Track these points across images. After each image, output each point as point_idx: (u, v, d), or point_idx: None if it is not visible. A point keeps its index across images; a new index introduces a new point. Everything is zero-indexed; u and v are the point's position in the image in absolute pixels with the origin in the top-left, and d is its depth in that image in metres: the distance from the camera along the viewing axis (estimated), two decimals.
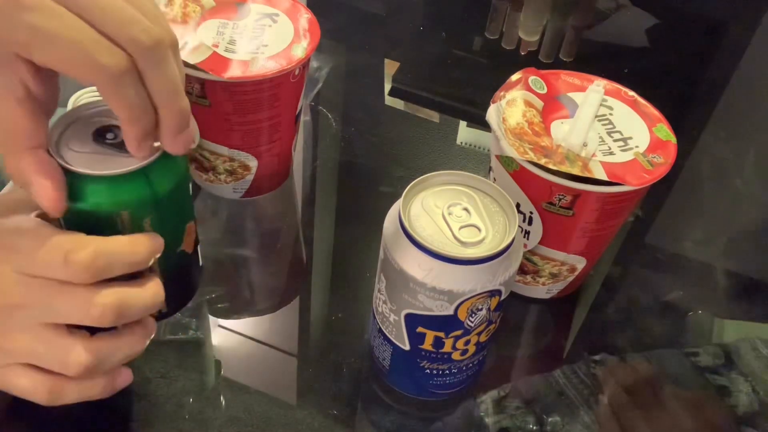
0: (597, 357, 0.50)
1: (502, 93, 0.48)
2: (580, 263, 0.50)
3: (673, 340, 0.53)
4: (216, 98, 0.50)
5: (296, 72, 0.51)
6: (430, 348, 0.41)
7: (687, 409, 0.48)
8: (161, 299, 0.36)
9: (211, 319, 0.50)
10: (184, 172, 0.37)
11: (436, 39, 0.82)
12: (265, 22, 0.53)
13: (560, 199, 0.44)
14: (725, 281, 0.58)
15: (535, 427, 0.46)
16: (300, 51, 0.50)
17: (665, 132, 0.48)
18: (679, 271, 0.59)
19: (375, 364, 0.46)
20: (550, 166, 0.43)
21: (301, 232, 0.60)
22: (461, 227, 0.38)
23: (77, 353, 0.34)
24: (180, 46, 0.36)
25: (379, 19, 0.86)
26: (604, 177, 0.43)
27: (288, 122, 0.55)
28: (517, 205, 0.46)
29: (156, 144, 0.35)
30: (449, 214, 0.39)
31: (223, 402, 0.45)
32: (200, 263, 0.44)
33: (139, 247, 0.35)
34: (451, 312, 0.38)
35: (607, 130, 0.47)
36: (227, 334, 0.50)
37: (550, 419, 0.46)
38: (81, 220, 0.34)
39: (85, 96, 0.56)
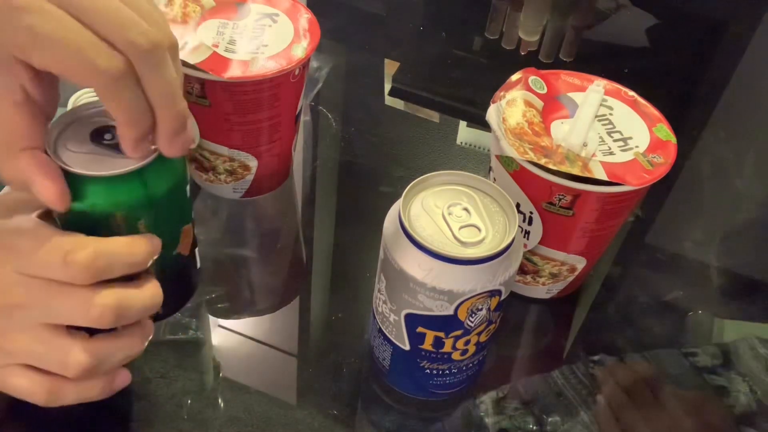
0: (596, 357, 0.50)
1: (502, 93, 0.48)
2: (580, 263, 0.50)
3: (672, 340, 0.53)
4: (216, 98, 0.50)
5: (296, 72, 0.51)
6: (430, 348, 0.41)
7: (685, 410, 0.48)
8: (159, 300, 0.36)
9: (211, 319, 0.50)
10: (181, 175, 0.37)
11: (436, 39, 0.82)
12: (265, 22, 0.53)
13: (560, 199, 0.44)
14: (724, 281, 0.58)
15: (534, 428, 0.46)
16: (300, 51, 0.50)
17: (665, 132, 0.48)
18: (678, 271, 0.59)
19: (375, 364, 0.46)
20: (550, 166, 0.43)
21: (301, 232, 0.60)
22: (461, 227, 0.38)
23: (76, 354, 0.34)
24: (180, 46, 0.36)
25: (379, 19, 0.86)
26: (604, 177, 0.43)
27: (288, 122, 0.55)
28: (517, 205, 0.46)
29: (153, 147, 0.35)
30: (449, 214, 0.39)
31: (223, 402, 0.45)
32: (198, 266, 0.44)
33: (138, 248, 0.35)
34: (451, 312, 0.38)
35: (607, 130, 0.47)
36: (227, 334, 0.50)
37: (549, 419, 0.46)
38: (76, 220, 0.34)
39: (84, 96, 0.56)
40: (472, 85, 0.75)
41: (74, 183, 0.33)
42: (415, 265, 0.37)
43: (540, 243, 0.48)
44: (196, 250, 0.43)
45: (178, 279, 0.42)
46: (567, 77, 0.51)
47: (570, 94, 0.50)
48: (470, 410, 0.47)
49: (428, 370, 0.43)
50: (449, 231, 0.38)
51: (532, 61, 0.79)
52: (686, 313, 0.55)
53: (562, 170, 0.43)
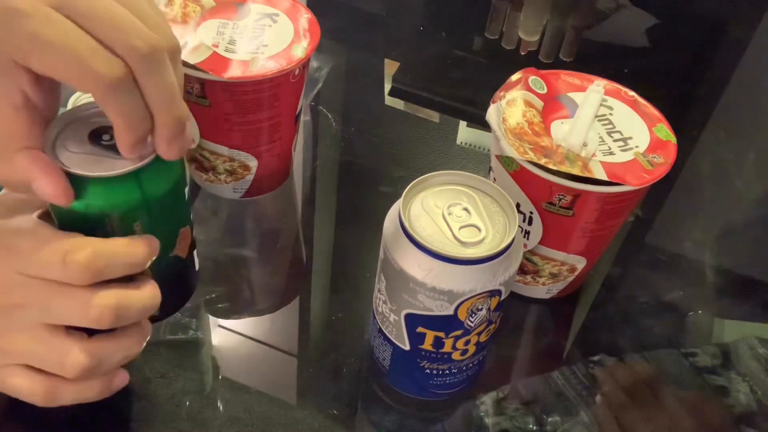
0: (596, 357, 0.50)
1: (502, 93, 0.48)
2: (580, 263, 0.50)
3: (672, 340, 0.53)
4: (216, 98, 0.50)
5: (296, 72, 0.51)
6: (430, 348, 0.41)
7: (685, 410, 0.48)
8: (158, 301, 0.36)
9: (211, 319, 0.50)
10: (178, 177, 0.37)
11: (436, 39, 0.82)
12: (265, 22, 0.53)
13: (560, 199, 0.44)
14: (724, 281, 0.58)
15: (534, 428, 0.46)
16: (300, 51, 0.50)
17: (665, 132, 0.48)
18: (678, 271, 0.59)
19: (375, 364, 0.46)
20: (550, 166, 0.43)
21: (301, 232, 0.60)
22: (461, 227, 0.38)
23: (75, 354, 0.34)
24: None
25: (379, 19, 0.86)
26: (604, 177, 0.43)
27: (288, 122, 0.55)
28: (517, 205, 0.46)
29: (151, 148, 0.35)
30: (449, 214, 0.39)
31: (223, 402, 0.45)
32: (197, 268, 0.44)
33: (137, 249, 0.35)
34: (451, 312, 0.38)
35: (607, 130, 0.47)
36: (227, 334, 0.50)
37: (549, 419, 0.46)
38: (71, 221, 0.34)
39: (84, 96, 0.56)
40: (472, 85, 0.75)
41: (71, 183, 0.34)
42: (415, 265, 0.37)
43: (540, 243, 0.48)
44: (195, 252, 0.43)
45: (175, 281, 0.41)
46: (567, 77, 0.51)
47: (570, 94, 0.50)
48: (470, 410, 0.47)
49: (428, 370, 0.43)
50: (449, 231, 0.38)
51: (532, 61, 0.79)
52: (686, 313, 0.55)
53: (562, 170, 0.43)
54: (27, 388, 0.35)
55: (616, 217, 0.47)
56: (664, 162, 0.45)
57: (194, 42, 0.49)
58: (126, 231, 0.35)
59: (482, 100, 0.49)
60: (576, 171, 0.43)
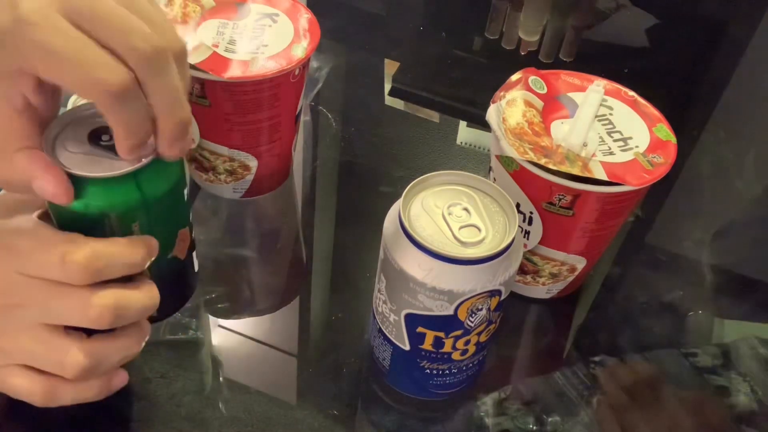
0: (597, 358, 0.50)
1: (502, 93, 0.48)
2: (580, 263, 0.50)
3: (673, 341, 0.53)
4: (216, 98, 0.50)
5: (296, 72, 0.51)
6: (430, 348, 0.41)
7: (687, 410, 0.48)
8: (157, 301, 0.36)
9: (211, 319, 0.50)
10: (177, 179, 0.37)
11: (436, 39, 0.82)
12: (265, 22, 0.53)
13: (560, 199, 0.44)
14: (724, 281, 0.58)
15: (535, 428, 0.46)
16: (300, 51, 0.50)
17: (665, 132, 0.48)
18: (678, 271, 0.59)
19: (375, 364, 0.46)
20: (550, 166, 0.43)
21: (301, 232, 0.60)
22: (461, 227, 0.38)
23: (74, 354, 0.34)
24: None
25: (379, 19, 0.86)
26: (604, 177, 0.43)
27: (288, 122, 0.55)
28: (517, 205, 0.46)
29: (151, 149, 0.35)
30: (449, 214, 0.39)
31: (223, 402, 0.45)
32: (195, 270, 0.44)
33: (136, 249, 0.35)
34: (451, 312, 0.38)
35: (607, 130, 0.47)
36: (227, 334, 0.50)
37: (550, 419, 0.46)
38: (70, 221, 0.34)
39: None
40: (472, 85, 0.75)
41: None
42: (415, 265, 0.37)
43: (540, 243, 0.48)
44: (194, 253, 0.43)
45: (174, 282, 0.41)
46: (567, 77, 0.51)
47: (570, 94, 0.50)
48: (470, 410, 0.47)
49: (428, 370, 0.43)
50: (449, 231, 0.38)
51: (532, 61, 0.79)
52: (686, 313, 0.55)
53: (562, 170, 0.43)
54: (26, 388, 0.35)
55: (616, 217, 0.47)
56: (664, 162, 0.45)
57: (194, 42, 0.49)
58: (125, 231, 0.35)
59: (482, 100, 0.49)
60: (576, 171, 0.43)
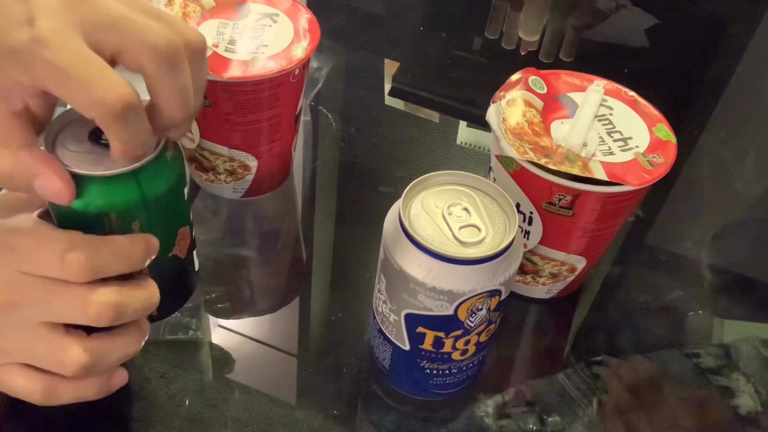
0: (598, 358, 0.50)
1: (502, 93, 0.48)
2: (580, 263, 0.50)
3: (674, 341, 0.53)
4: (216, 98, 0.50)
5: (296, 72, 0.51)
6: (430, 348, 0.41)
7: (689, 410, 0.48)
8: (157, 300, 0.36)
9: (211, 319, 0.50)
10: (178, 178, 0.37)
11: (436, 39, 0.82)
12: (265, 22, 0.53)
13: (560, 199, 0.44)
14: (725, 281, 0.58)
15: (535, 428, 0.46)
16: (300, 51, 0.50)
17: (665, 132, 0.48)
18: (679, 271, 0.59)
19: (375, 364, 0.46)
20: (550, 166, 0.43)
21: (301, 232, 0.60)
22: (461, 227, 0.38)
23: (74, 353, 0.34)
24: None
25: (379, 19, 0.86)
26: (604, 177, 0.43)
27: (288, 122, 0.55)
28: (517, 205, 0.46)
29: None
30: (449, 214, 0.39)
31: (223, 402, 0.45)
32: (196, 268, 0.44)
33: (136, 247, 0.35)
34: (451, 312, 0.38)
35: (607, 130, 0.47)
36: (227, 334, 0.50)
37: (550, 419, 0.46)
38: (70, 219, 0.34)
39: None
40: (472, 85, 0.75)
41: None
42: (415, 265, 0.37)
43: (540, 243, 0.48)
44: (194, 253, 0.43)
45: (174, 282, 0.41)
46: (567, 77, 0.51)
47: (570, 94, 0.50)
48: (470, 410, 0.47)
49: (428, 370, 0.43)
50: (449, 231, 0.38)
51: (532, 61, 0.79)
52: (687, 314, 0.55)
53: (562, 170, 0.43)
54: (26, 387, 0.35)
55: (616, 217, 0.47)
56: (664, 162, 0.45)
57: None
58: (124, 230, 0.35)
59: (482, 100, 0.49)
60: (576, 171, 0.43)
